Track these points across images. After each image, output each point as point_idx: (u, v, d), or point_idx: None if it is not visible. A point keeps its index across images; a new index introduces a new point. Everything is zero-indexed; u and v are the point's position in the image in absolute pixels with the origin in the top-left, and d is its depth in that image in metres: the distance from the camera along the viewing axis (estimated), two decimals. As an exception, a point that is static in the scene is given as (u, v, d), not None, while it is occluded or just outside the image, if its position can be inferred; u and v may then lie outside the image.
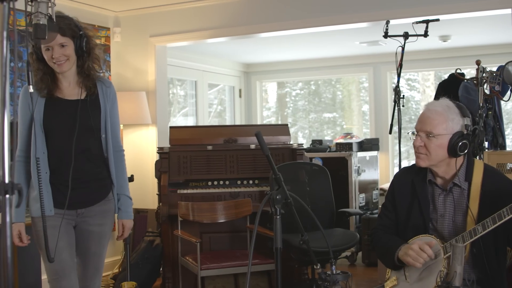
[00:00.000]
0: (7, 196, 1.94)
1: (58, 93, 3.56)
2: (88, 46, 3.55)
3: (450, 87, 6.41)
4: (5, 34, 1.91)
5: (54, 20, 3.15)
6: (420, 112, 3.29)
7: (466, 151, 3.15)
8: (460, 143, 3.10)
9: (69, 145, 3.50)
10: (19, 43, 5.81)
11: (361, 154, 8.00)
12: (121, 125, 6.80)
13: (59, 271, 3.51)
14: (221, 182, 6.05)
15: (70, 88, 3.58)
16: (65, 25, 3.46)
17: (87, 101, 3.57)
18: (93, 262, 3.70)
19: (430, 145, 3.14)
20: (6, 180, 1.94)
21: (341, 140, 8.20)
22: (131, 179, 5.25)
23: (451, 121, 3.13)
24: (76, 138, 3.49)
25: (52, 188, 3.51)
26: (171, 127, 6.49)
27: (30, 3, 3.00)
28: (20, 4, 1.97)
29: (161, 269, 6.27)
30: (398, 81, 5.51)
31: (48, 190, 3.50)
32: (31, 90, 3.14)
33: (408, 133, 3.31)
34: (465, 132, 3.13)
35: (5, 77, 1.91)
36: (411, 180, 3.35)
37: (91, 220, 3.64)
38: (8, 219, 1.94)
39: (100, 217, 3.67)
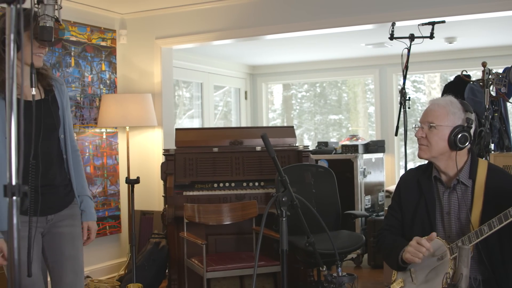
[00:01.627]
0: (14, 198, 1.95)
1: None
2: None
3: (456, 89, 6.39)
4: (12, 36, 1.92)
5: (60, 22, 3.16)
6: None
7: (467, 144, 3.19)
8: (459, 135, 3.15)
9: (30, 149, 3.23)
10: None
11: (367, 156, 7.99)
12: (127, 127, 6.82)
13: (28, 286, 3.28)
14: (227, 184, 6.05)
15: (27, 88, 3.24)
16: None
17: (48, 101, 3.39)
18: (70, 266, 3.46)
19: (431, 136, 3.20)
20: (13, 182, 1.95)
21: (347, 142, 8.20)
22: (137, 181, 5.25)
23: (453, 114, 3.20)
24: (41, 140, 3.31)
25: None
26: (177, 129, 6.49)
27: (36, 5, 3.01)
28: (26, 6, 1.98)
29: (167, 271, 6.27)
30: (404, 83, 5.51)
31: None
32: (34, 92, 3.01)
33: (413, 127, 3.33)
34: (466, 125, 3.17)
35: (13, 79, 1.92)
36: (417, 179, 3.38)
37: (61, 223, 3.45)
38: (15, 221, 1.95)
39: (70, 219, 3.49)
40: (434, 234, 3.09)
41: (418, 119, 3.38)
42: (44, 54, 3.35)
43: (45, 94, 3.40)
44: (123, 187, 6.61)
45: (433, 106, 3.25)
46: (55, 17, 3.03)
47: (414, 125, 3.35)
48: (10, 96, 1.92)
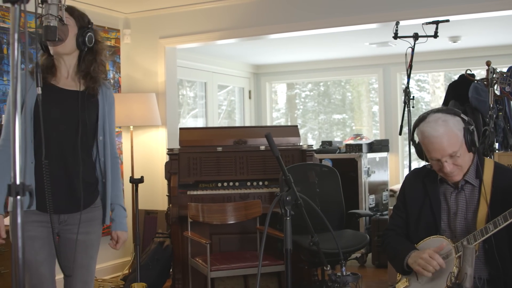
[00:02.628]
0: (18, 197, 1.95)
1: (53, 81, 3.35)
2: (95, 47, 3.40)
3: (460, 88, 6.40)
4: (16, 36, 1.92)
5: (64, 22, 3.16)
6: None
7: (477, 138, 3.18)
8: (472, 139, 3.14)
9: (63, 137, 3.30)
10: (30, 45, 5.84)
11: (371, 155, 7.99)
12: (131, 127, 6.82)
13: (37, 286, 3.28)
14: (231, 184, 6.05)
15: (68, 80, 3.38)
16: (76, 10, 3.38)
17: (85, 94, 3.36)
18: (81, 275, 3.40)
19: (458, 161, 3.14)
20: (18, 182, 1.95)
21: (351, 141, 8.19)
22: (141, 180, 5.25)
23: (455, 128, 3.14)
24: (69, 131, 3.31)
25: (36, 183, 3.23)
26: (181, 129, 6.49)
27: (40, 5, 3.01)
28: (30, 6, 1.99)
29: (171, 270, 6.28)
30: (407, 82, 5.50)
31: (32, 183, 3.21)
32: (39, 92, 3.03)
33: (429, 167, 3.27)
34: (464, 126, 3.15)
35: (17, 79, 1.92)
36: (422, 180, 3.36)
37: (75, 228, 3.32)
38: (19, 220, 1.95)
39: (86, 225, 3.36)
40: (444, 245, 3.08)
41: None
42: (62, 48, 3.32)
43: (85, 89, 3.39)
44: (127, 187, 6.61)
45: (440, 138, 3.12)
46: (59, 16, 3.04)
47: (428, 165, 3.28)
48: (14, 95, 1.92)
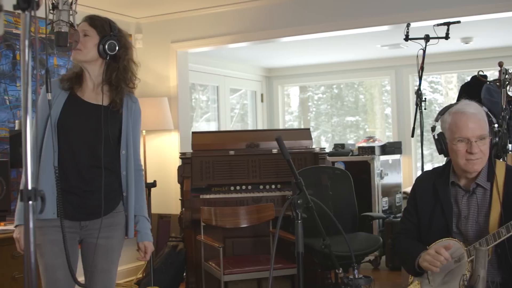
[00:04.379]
0: (30, 202, 1.96)
1: (79, 92, 3.39)
2: (119, 53, 3.39)
3: (472, 90, 6.36)
4: (27, 42, 1.93)
5: (75, 27, 3.18)
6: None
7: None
8: (493, 132, 3.18)
9: (81, 149, 3.32)
10: (41, 51, 5.87)
11: (383, 157, 7.97)
12: (144, 131, 6.84)
13: None
14: (244, 187, 6.06)
15: (94, 93, 3.40)
16: (98, 19, 3.40)
17: (108, 109, 3.36)
18: (101, 280, 3.41)
19: (483, 147, 3.14)
20: (29, 187, 1.96)
21: (364, 144, 8.18)
22: (153, 184, 5.27)
23: (485, 117, 3.18)
24: (91, 143, 3.32)
25: (57, 192, 3.26)
26: (193, 133, 6.50)
27: (51, 11, 3.03)
28: (41, 13, 2.00)
29: (184, 274, 6.29)
30: (419, 84, 5.49)
31: (54, 192, 3.24)
32: (49, 97, 3.06)
33: (455, 144, 3.19)
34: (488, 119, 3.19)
35: (28, 85, 1.93)
36: (432, 183, 3.34)
37: (96, 233, 3.34)
38: (31, 225, 1.96)
39: (107, 229, 3.37)
40: (451, 244, 3.06)
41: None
42: (79, 47, 3.33)
43: (109, 104, 3.39)
44: (141, 191, 6.62)
45: (473, 117, 3.13)
46: (70, 22, 3.06)
47: (455, 143, 3.19)
48: (26, 101, 1.94)
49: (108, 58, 3.38)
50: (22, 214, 3.05)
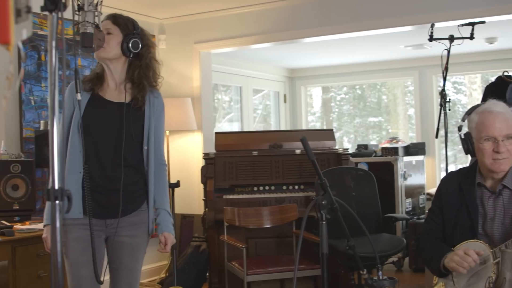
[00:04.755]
0: (57, 202, 1.98)
1: (101, 91, 3.43)
2: (142, 51, 3.43)
3: (497, 90, 6.31)
4: (54, 43, 1.95)
5: (100, 28, 3.21)
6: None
7: None
8: None
9: (105, 148, 3.36)
10: (67, 52, 5.92)
11: (407, 158, 7.93)
12: (167, 131, 6.87)
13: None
14: (267, 188, 6.06)
15: (116, 91, 3.44)
16: (121, 17, 3.43)
17: (130, 106, 3.39)
18: (125, 277, 3.44)
19: (510, 147, 3.11)
20: (56, 186, 1.98)
21: (387, 145, 8.15)
22: (177, 184, 5.28)
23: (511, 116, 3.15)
24: (115, 142, 3.35)
25: (82, 192, 3.30)
26: (216, 133, 6.52)
27: (77, 12, 3.06)
28: (67, 14, 2.02)
29: (207, 274, 6.30)
30: (444, 85, 5.46)
31: (79, 191, 3.28)
32: (79, 98, 3.08)
33: (481, 143, 3.16)
34: None
35: (54, 86, 1.95)
36: (458, 184, 3.31)
37: (121, 231, 3.39)
38: (58, 224, 1.98)
39: (132, 228, 3.42)
40: (482, 250, 3.04)
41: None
42: (104, 52, 3.37)
43: (131, 100, 3.42)
44: (164, 191, 6.64)
45: (502, 115, 3.11)
46: (95, 23, 3.08)
47: (482, 142, 3.15)
48: (52, 101, 1.95)
49: (131, 56, 3.42)
50: (50, 214, 3.14)
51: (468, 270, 3.03)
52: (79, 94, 3.01)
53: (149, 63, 3.48)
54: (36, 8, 1.87)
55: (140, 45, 3.42)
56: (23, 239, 4.34)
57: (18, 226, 4.61)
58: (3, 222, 4.49)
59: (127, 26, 3.42)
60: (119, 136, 3.35)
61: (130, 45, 3.37)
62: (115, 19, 3.41)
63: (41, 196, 5.54)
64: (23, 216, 4.92)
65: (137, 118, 3.42)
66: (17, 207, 4.90)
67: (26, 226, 4.64)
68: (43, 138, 5.31)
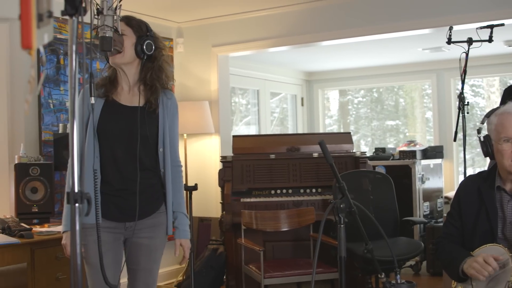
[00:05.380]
0: (77, 205, 1.99)
1: (115, 96, 3.45)
2: (155, 54, 3.45)
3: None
4: (74, 48, 1.96)
5: (119, 32, 3.22)
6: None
7: None
8: None
9: (122, 152, 3.39)
10: (86, 56, 5.95)
11: (425, 162, 7.90)
12: (185, 135, 6.89)
13: None
14: (284, 191, 6.06)
15: (129, 95, 3.46)
16: (134, 19, 3.46)
17: (145, 110, 3.41)
18: (143, 278, 3.48)
19: None
20: (76, 189, 1.99)
21: (405, 148, 8.12)
22: (195, 187, 5.29)
23: None
24: (131, 146, 3.36)
25: (101, 196, 3.33)
26: (234, 136, 6.53)
27: (96, 16, 3.08)
28: (86, 18, 2.03)
29: (224, 277, 6.31)
30: (462, 88, 5.43)
31: (98, 197, 3.29)
32: (93, 101, 3.09)
33: (500, 145, 3.15)
34: None
35: (75, 89, 1.96)
36: (477, 187, 3.30)
37: (140, 232, 3.42)
38: (78, 227, 1.99)
39: (150, 230, 3.45)
40: (501, 256, 3.02)
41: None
42: (120, 58, 3.40)
43: (145, 103, 3.44)
44: (181, 194, 6.66)
45: None
46: (114, 27, 3.10)
47: (501, 143, 3.15)
48: (72, 105, 1.97)
49: (144, 58, 3.43)
50: (69, 220, 3.17)
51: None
52: (93, 98, 3.03)
53: (161, 65, 3.50)
54: (56, 13, 1.88)
55: (153, 47, 3.44)
56: (42, 242, 4.37)
57: (37, 228, 4.65)
58: (22, 224, 4.52)
59: (140, 28, 3.45)
60: (135, 140, 3.36)
61: (144, 47, 3.40)
62: (128, 20, 3.44)
63: (60, 199, 5.57)
64: (42, 218, 4.96)
65: (151, 121, 3.44)
66: (36, 210, 4.94)
67: (45, 228, 4.68)
68: (61, 141, 5.35)
